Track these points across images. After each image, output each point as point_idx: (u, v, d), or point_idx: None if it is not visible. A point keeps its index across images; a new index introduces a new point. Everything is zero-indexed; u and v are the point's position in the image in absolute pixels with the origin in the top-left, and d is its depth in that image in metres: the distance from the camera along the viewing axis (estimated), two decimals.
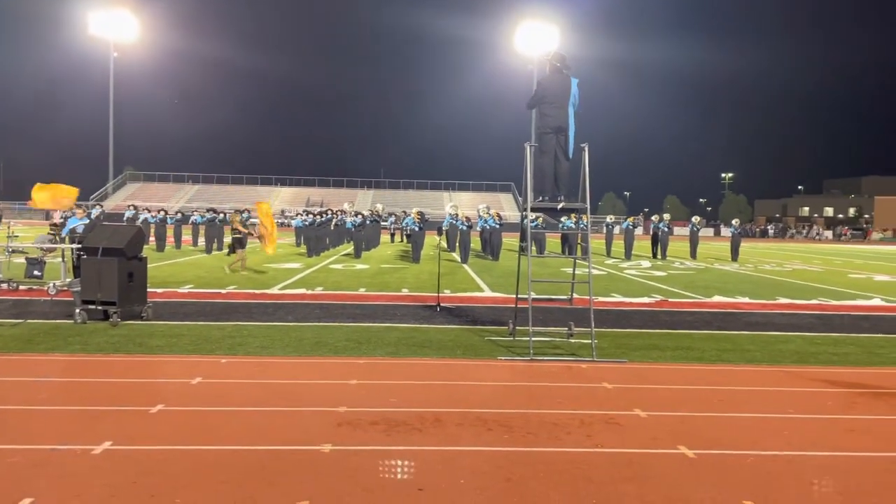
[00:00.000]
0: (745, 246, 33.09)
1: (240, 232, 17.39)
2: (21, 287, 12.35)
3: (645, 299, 13.25)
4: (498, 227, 24.52)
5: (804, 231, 75.16)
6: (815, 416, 5.73)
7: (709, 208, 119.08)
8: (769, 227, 76.67)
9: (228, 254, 18.97)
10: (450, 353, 7.82)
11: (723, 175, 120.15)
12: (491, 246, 24.10)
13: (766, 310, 12.23)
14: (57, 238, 14.08)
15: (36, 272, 13.12)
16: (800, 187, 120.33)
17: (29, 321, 9.08)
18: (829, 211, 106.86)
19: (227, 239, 20.57)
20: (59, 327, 8.73)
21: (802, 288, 16.47)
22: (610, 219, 30.84)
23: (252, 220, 23.97)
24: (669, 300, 13.22)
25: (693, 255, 26.82)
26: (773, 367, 7.51)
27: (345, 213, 30.48)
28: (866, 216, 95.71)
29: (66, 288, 11.44)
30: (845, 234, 72.32)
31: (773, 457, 4.68)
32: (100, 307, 9.02)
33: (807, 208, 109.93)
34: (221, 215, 26.09)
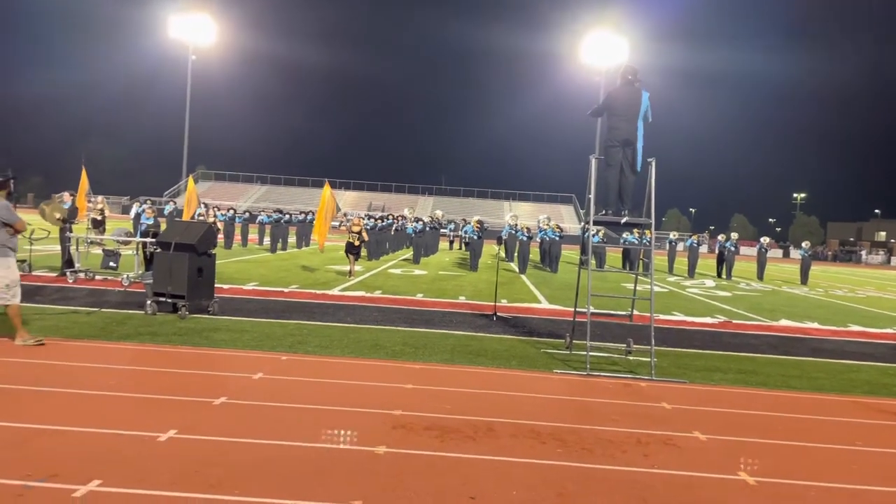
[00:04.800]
0: (816, 269, 31.88)
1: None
2: (97, 277, 12.93)
3: (708, 319, 12.91)
4: (557, 238, 24.34)
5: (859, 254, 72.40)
6: (885, 450, 5.48)
7: (778, 229, 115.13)
8: (834, 251, 73.92)
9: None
10: (505, 363, 7.80)
11: (794, 195, 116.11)
12: (550, 257, 23.93)
13: (836, 336, 11.76)
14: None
15: (111, 263, 13.73)
16: (876, 211, 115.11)
17: (103, 310, 9.50)
18: None
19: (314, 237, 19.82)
20: (130, 317, 9.10)
21: (876, 316, 15.76)
22: (673, 235, 30.19)
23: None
24: (733, 321, 12.85)
25: (760, 276, 26.00)
26: (841, 397, 7.22)
27: (405, 218, 30.78)
28: None
29: (138, 280, 11.93)
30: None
31: (837, 489, 4.50)
32: (169, 300, 9.36)
33: (883, 233, 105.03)
34: (287, 216, 26.72)
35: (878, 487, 4.61)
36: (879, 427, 6.18)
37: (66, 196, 14.46)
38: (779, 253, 67.16)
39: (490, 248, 29.36)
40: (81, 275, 12.69)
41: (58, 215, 13.05)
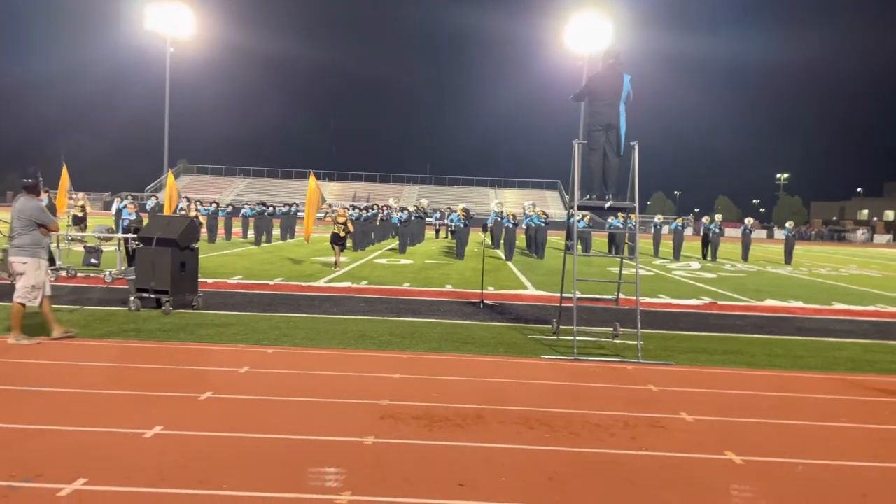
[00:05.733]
0: (800, 249, 32.17)
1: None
2: (79, 274, 12.79)
3: (693, 301, 12.99)
4: (543, 224, 24.36)
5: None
6: (870, 426, 5.54)
7: (762, 210, 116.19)
8: (819, 230, 74.88)
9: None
10: (493, 350, 7.80)
11: (777, 175, 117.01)
12: (536, 244, 23.96)
13: (820, 315, 11.88)
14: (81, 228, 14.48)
15: (93, 260, 13.59)
16: (859, 189, 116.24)
17: (86, 307, 9.40)
18: (889, 214, 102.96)
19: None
20: (113, 314, 9.02)
21: (859, 293, 15.94)
22: (658, 219, 30.32)
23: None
24: (719, 303, 12.94)
25: (745, 257, 26.19)
26: (826, 375, 7.29)
27: (390, 208, 30.70)
28: None
29: (121, 276, 11.81)
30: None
31: (823, 466, 4.54)
32: (153, 295, 9.28)
33: (866, 211, 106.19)
34: (271, 208, 26.54)
35: (863, 463, 4.66)
36: (863, 403, 6.25)
37: (41, 194, 14.27)
38: (763, 233, 67.73)
39: (476, 236, 29.36)
40: (63, 272, 12.55)
41: None
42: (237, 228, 28.27)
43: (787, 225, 27.96)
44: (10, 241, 7.35)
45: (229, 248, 22.01)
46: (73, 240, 13.78)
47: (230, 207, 28.97)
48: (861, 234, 72.85)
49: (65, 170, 18.07)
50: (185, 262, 9.46)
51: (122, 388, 5.80)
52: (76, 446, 4.34)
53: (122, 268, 12.38)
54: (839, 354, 8.38)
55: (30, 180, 7.40)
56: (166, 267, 9.15)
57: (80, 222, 17.85)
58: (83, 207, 18.21)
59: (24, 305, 7.24)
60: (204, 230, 24.66)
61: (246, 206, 29.56)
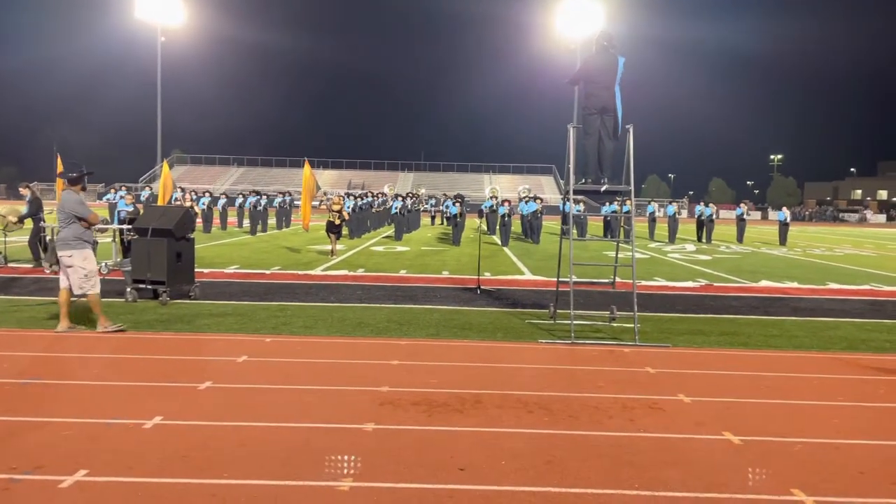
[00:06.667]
0: (794, 229, 32.25)
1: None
2: None
3: (689, 283, 13.04)
4: (538, 210, 24.35)
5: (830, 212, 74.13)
6: (866, 404, 5.58)
7: (756, 191, 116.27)
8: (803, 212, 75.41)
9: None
10: (490, 335, 7.82)
11: (771, 157, 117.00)
12: (532, 229, 23.97)
13: (815, 295, 11.93)
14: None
15: None
16: (852, 169, 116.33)
17: (82, 299, 9.36)
18: (882, 194, 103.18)
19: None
20: (110, 306, 8.99)
21: (854, 273, 16.00)
22: (654, 205, 30.41)
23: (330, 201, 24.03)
24: (714, 285, 12.99)
25: (740, 239, 26.26)
26: (822, 354, 7.33)
27: (385, 195, 30.65)
28: None
29: (117, 268, 11.78)
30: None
31: (821, 444, 4.58)
32: (149, 286, 9.27)
33: (859, 191, 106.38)
34: (264, 197, 26.47)
35: (861, 441, 4.70)
36: (859, 382, 6.29)
37: (23, 190, 14.16)
38: (757, 215, 67.89)
39: (472, 222, 29.34)
40: (57, 266, 12.48)
41: (13, 219, 12.78)
42: (232, 218, 28.20)
43: (783, 210, 27.93)
44: (58, 236, 7.52)
45: (225, 238, 21.96)
46: None
47: (224, 197, 28.85)
48: (870, 214, 73.50)
49: (59, 161, 17.96)
50: (181, 252, 9.44)
51: (122, 379, 5.80)
52: (76, 438, 4.34)
53: (118, 259, 12.35)
54: (834, 334, 8.42)
55: (73, 173, 7.47)
56: (162, 257, 9.13)
57: None
58: None
59: (87, 295, 7.39)
60: (199, 220, 24.63)
61: (240, 195, 29.49)
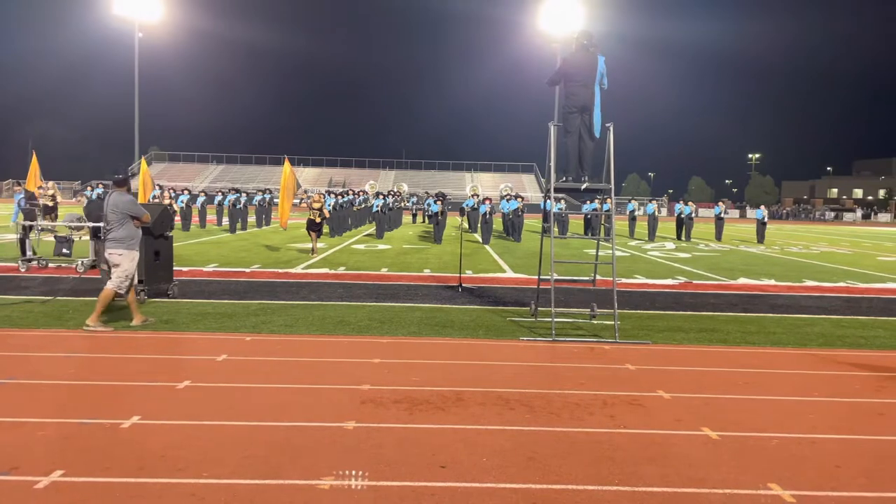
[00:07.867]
0: (772, 227, 32.64)
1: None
2: (50, 265, 12.57)
3: (669, 281, 13.14)
4: (519, 208, 24.42)
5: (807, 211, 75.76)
6: (842, 400, 5.66)
7: (734, 189, 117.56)
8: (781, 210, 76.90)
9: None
10: (472, 333, 7.83)
11: (749, 156, 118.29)
12: (513, 227, 24.03)
13: (792, 292, 12.08)
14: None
15: (65, 250, 13.33)
16: (829, 168, 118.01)
17: (58, 298, 9.25)
18: (858, 193, 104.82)
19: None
20: (87, 304, 8.87)
21: (830, 270, 16.23)
22: (634, 204, 30.65)
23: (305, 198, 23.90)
24: (693, 282, 13.10)
25: (718, 237, 26.52)
26: (798, 350, 7.43)
27: (366, 193, 30.56)
28: None
29: (94, 266, 11.62)
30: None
31: (797, 439, 4.64)
32: None
33: (835, 190, 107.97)
34: (244, 195, 26.27)
35: (836, 435, 4.77)
36: (835, 377, 6.38)
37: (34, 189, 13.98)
38: (735, 214, 68.68)
39: (453, 220, 29.35)
40: (34, 263, 12.32)
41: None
42: (212, 216, 27.96)
43: (760, 208, 28.28)
44: (106, 235, 7.65)
45: (204, 236, 21.76)
46: (43, 230, 13.51)
47: (203, 195, 28.59)
48: (860, 212, 75.08)
49: (34, 158, 17.69)
50: (160, 250, 9.34)
51: (99, 378, 5.72)
52: (52, 438, 4.28)
53: (95, 257, 12.18)
54: (811, 330, 8.54)
55: (120, 175, 7.80)
56: (140, 256, 9.00)
57: (50, 212, 17.49)
58: (53, 196, 17.83)
59: (116, 293, 7.60)
60: (178, 218, 24.40)
61: (219, 192, 29.23)
